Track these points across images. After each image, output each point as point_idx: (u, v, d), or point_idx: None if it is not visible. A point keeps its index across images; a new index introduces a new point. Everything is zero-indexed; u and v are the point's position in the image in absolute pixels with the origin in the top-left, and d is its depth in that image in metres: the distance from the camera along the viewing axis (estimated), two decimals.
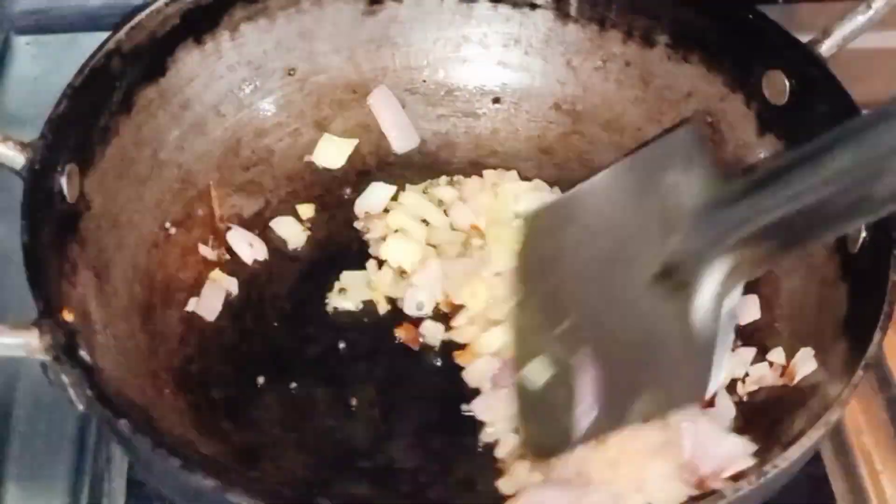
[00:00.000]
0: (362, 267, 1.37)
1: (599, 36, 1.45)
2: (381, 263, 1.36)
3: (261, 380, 1.27)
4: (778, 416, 1.19)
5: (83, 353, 1.08)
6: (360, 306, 1.34)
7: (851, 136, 0.83)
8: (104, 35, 1.27)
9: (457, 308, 1.32)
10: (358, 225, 1.41)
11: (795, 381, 1.21)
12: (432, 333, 1.31)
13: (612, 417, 1.00)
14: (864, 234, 1.19)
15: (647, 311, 0.92)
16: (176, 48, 1.35)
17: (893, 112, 0.82)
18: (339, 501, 1.18)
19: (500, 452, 1.21)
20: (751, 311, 1.31)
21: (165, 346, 1.28)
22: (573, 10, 1.44)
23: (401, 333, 1.32)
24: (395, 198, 1.42)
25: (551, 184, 1.43)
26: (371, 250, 1.38)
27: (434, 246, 1.38)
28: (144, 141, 1.34)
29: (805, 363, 1.21)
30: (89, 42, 1.28)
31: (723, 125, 1.39)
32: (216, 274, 1.35)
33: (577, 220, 0.99)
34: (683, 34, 1.40)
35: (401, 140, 1.48)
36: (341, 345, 1.31)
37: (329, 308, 1.34)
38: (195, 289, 1.33)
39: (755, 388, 1.25)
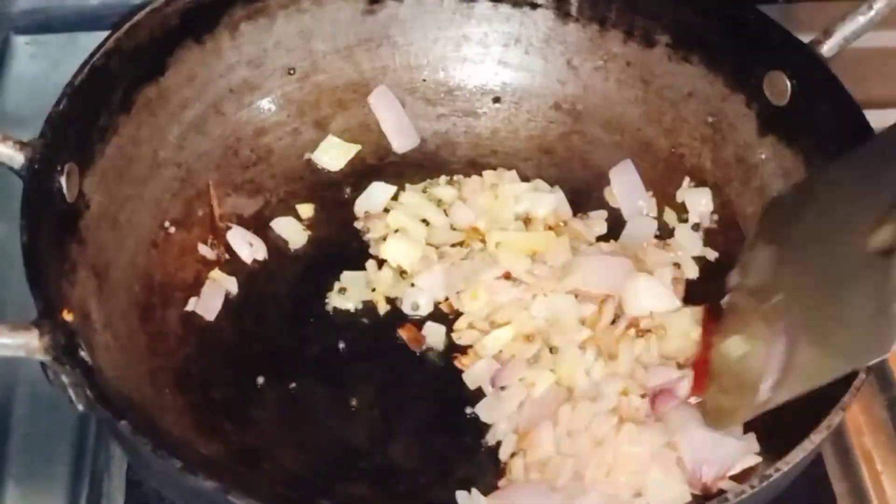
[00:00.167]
0: (362, 267, 1.36)
1: (600, 36, 1.45)
2: (381, 263, 1.36)
3: (260, 380, 1.27)
4: (780, 419, 1.19)
5: (83, 354, 1.08)
6: (360, 306, 1.34)
7: None
8: (103, 34, 1.27)
9: (457, 310, 1.32)
10: (358, 225, 1.41)
11: None
12: (434, 335, 1.31)
13: (799, 380, 1.03)
14: None
15: (852, 279, 0.94)
16: (175, 47, 1.35)
17: None
18: (339, 501, 1.18)
19: (502, 454, 1.21)
20: None
21: (165, 345, 1.27)
22: (574, 10, 1.44)
23: (403, 334, 1.31)
24: (395, 197, 1.42)
25: (551, 183, 1.44)
26: (371, 250, 1.38)
27: (435, 246, 1.37)
28: (144, 140, 1.33)
29: None
30: (89, 41, 1.28)
31: (724, 125, 1.39)
32: (216, 274, 1.35)
33: (810, 205, 1.03)
34: (684, 34, 1.40)
35: (401, 140, 1.48)
36: (341, 345, 1.31)
37: (329, 308, 1.34)
38: (195, 288, 1.33)
39: None
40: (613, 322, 1.28)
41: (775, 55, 1.31)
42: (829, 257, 0.96)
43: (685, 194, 1.41)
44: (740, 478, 1.16)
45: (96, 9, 1.64)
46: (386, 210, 1.41)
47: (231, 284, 1.34)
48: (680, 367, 1.23)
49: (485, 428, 1.24)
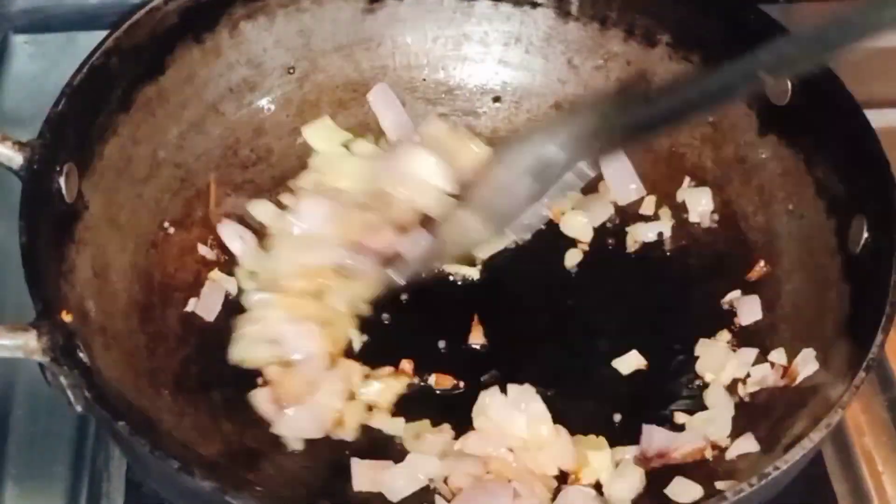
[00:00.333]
0: None
1: (600, 35, 1.45)
2: None
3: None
4: (779, 417, 1.19)
5: (81, 354, 1.08)
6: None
7: None
8: (103, 33, 1.27)
9: None
10: None
11: (797, 382, 1.21)
12: None
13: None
14: (866, 234, 1.19)
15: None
16: (175, 46, 1.35)
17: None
18: (339, 501, 1.18)
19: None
20: (753, 311, 1.31)
21: (164, 346, 1.27)
22: (574, 9, 1.44)
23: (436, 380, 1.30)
24: None
25: None
26: None
27: None
28: (143, 140, 1.33)
29: (807, 364, 1.21)
30: (88, 41, 1.28)
31: (724, 125, 1.39)
32: (215, 274, 1.34)
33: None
34: (685, 34, 1.40)
35: (400, 137, 1.47)
36: None
37: None
38: (194, 289, 1.33)
39: (757, 388, 1.25)
40: None
41: None
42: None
43: (685, 194, 1.41)
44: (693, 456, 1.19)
45: (95, 8, 1.64)
46: None
47: (231, 285, 1.34)
48: None
49: None
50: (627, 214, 1.42)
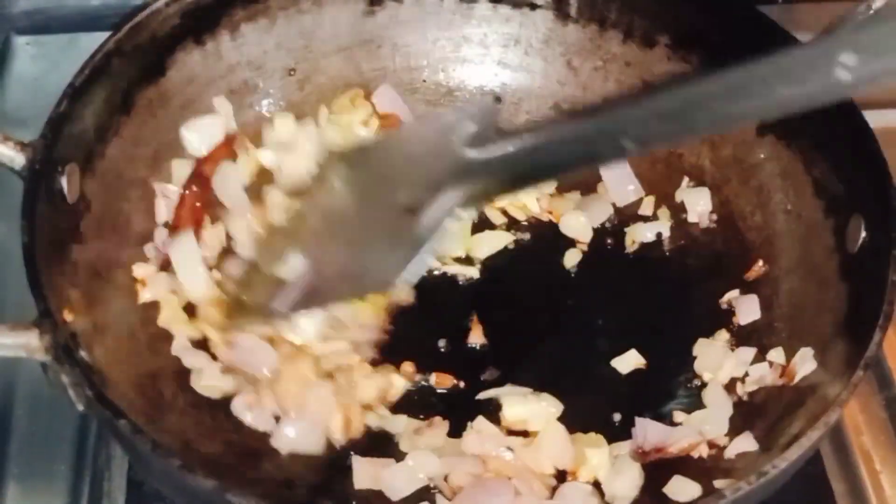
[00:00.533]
0: None
1: (599, 36, 1.45)
2: None
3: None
4: (777, 416, 1.19)
5: (83, 353, 1.09)
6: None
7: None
8: (104, 35, 1.27)
9: None
10: None
11: (795, 381, 1.21)
12: None
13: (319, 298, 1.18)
14: (863, 234, 1.19)
15: (374, 226, 1.12)
16: (176, 48, 1.35)
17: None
18: (339, 501, 1.18)
19: None
20: (751, 311, 1.31)
21: (165, 346, 1.27)
22: (573, 11, 1.44)
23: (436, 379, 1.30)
24: None
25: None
26: None
27: None
28: (145, 141, 1.33)
29: (805, 363, 1.21)
30: (89, 42, 1.28)
31: None
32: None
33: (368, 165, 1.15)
34: (684, 34, 1.40)
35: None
36: None
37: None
38: None
39: (755, 387, 1.25)
40: None
41: None
42: (371, 209, 1.12)
43: (684, 194, 1.41)
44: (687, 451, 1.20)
45: (97, 9, 1.64)
46: None
47: None
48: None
49: None
50: (626, 215, 1.42)
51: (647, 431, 1.20)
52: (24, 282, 1.07)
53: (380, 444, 1.23)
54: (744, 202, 1.38)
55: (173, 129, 1.37)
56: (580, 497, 1.16)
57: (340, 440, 1.21)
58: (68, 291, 1.16)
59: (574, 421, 1.23)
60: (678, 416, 1.24)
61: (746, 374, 1.26)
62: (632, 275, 1.38)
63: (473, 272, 1.37)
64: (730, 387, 1.26)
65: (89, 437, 1.30)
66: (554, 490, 1.18)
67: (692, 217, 1.41)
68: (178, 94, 1.37)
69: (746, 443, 1.18)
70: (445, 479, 1.19)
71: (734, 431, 1.21)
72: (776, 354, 1.25)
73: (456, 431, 1.23)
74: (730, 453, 1.19)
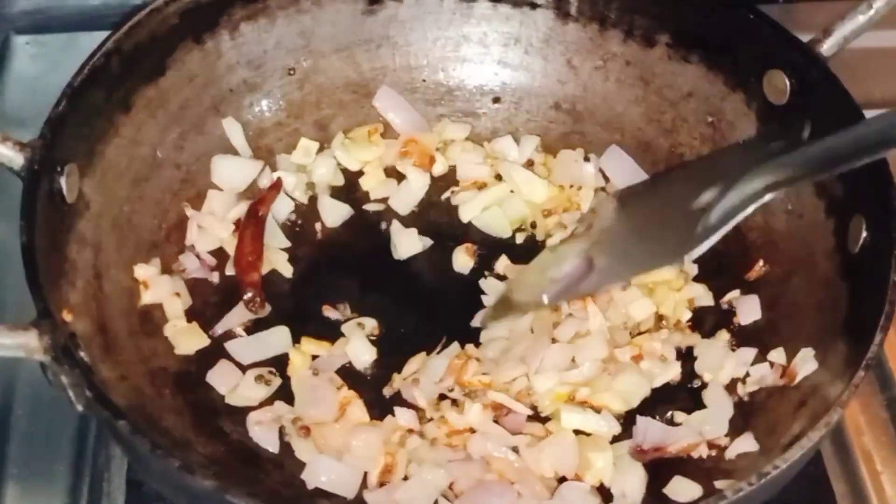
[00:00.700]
0: (363, 269, 1.37)
1: (600, 35, 1.45)
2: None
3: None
4: (778, 417, 1.19)
5: (82, 354, 1.09)
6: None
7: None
8: (103, 35, 1.27)
9: None
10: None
11: (796, 382, 1.21)
12: None
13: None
14: (864, 234, 1.19)
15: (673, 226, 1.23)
16: (175, 48, 1.35)
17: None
18: (339, 501, 1.18)
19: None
20: (752, 311, 1.31)
21: (165, 346, 1.27)
22: (573, 10, 1.44)
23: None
24: None
25: None
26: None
27: None
28: (144, 141, 1.34)
29: (806, 363, 1.21)
30: (88, 42, 1.28)
31: (723, 125, 1.39)
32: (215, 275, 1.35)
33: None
34: (684, 34, 1.40)
35: (414, 131, 1.47)
36: None
37: (328, 311, 1.33)
38: (194, 288, 1.33)
39: (756, 388, 1.25)
40: None
41: (774, 54, 1.31)
42: (660, 215, 1.27)
43: None
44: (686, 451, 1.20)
45: (96, 9, 1.64)
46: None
47: None
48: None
49: None
50: None
51: (648, 431, 1.20)
52: (24, 282, 1.07)
53: None
54: None
55: (173, 129, 1.37)
56: (580, 497, 1.16)
57: (374, 484, 1.19)
58: (68, 292, 1.16)
59: None
60: (678, 416, 1.24)
61: (747, 375, 1.26)
62: None
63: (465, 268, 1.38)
64: (730, 387, 1.26)
65: (89, 437, 1.30)
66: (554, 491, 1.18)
67: None
68: (177, 94, 1.37)
69: (747, 443, 1.18)
70: (451, 486, 1.18)
71: (735, 432, 1.21)
72: (777, 355, 1.25)
73: None
74: (731, 454, 1.19)
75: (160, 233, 1.34)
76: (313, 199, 1.42)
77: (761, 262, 1.34)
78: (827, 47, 1.27)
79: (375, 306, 1.32)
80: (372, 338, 1.30)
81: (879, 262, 1.14)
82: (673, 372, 1.27)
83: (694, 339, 1.30)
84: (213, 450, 1.20)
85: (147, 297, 1.28)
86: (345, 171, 1.45)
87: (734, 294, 1.33)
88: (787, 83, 1.30)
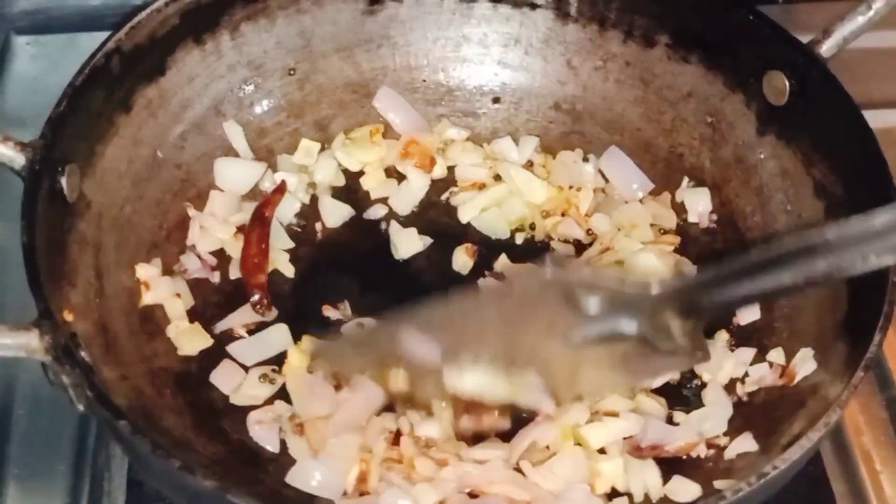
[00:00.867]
0: (363, 270, 1.37)
1: (599, 36, 1.45)
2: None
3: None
4: (777, 417, 1.19)
5: (83, 354, 1.09)
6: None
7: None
8: (104, 35, 1.27)
9: None
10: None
11: (795, 382, 1.22)
12: None
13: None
14: None
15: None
16: (176, 48, 1.35)
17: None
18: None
19: None
20: (751, 311, 1.31)
21: (165, 345, 1.27)
22: (573, 10, 1.44)
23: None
24: None
25: None
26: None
27: None
28: (144, 141, 1.34)
29: (805, 363, 1.21)
30: (89, 42, 1.28)
31: (723, 125, 1.40)
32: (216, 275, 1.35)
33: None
34: (683, 34, 1.40)
35: (414, 132, 1.47)
36: None
37: (329, 311, 1.33)
38: (195, 288, 1.33)
39: (755, 388, 1.25)
40: None
41: (774, 55, 1.32)
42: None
43: (684, 194, 1.41)
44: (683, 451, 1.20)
45: (97, 9, 1.64)
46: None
47: None
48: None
49: None
50: None
51: (648, 429, 1.20)
52: (24, 282, 1.07)
53: None
54: (744, 202, 1.38)
55: (173, 129, 1.37)
56: (583, 499, 1.16)
57: (350, 492, 1.17)
58: (68, 292, 1.16)
59: None
60: (677, 416, 1.24)
61: (746, 375, 1.26)
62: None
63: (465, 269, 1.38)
64: (730, 387, 1.26)
65: (89, 437, 1.30)
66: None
67: (692, 217, 1.41)
68: (177, 94, 1.37)
69: (746, 443, 1.18)
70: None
71: (734, 432, 1.21)
72: (776, 355, 1.25)
73: None
74: (730, 454, 1.19)
75: (160, 233, 1.34)
76: (314, 200, 1.42)
77: None
78: (826, 48, 1.27)
79: (375, 306, 1.32)
80: None
81: None
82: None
83: None
84: (213, 450, 1.20)
85: (148, 298, 1.28)
86: (345, 172, 1.45)
87: None
88: (787, 84, 1.30)
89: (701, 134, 1.41)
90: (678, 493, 1.16)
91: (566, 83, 1.48)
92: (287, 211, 1.40)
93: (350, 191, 1.44)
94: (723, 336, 1.30)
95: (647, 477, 1.17)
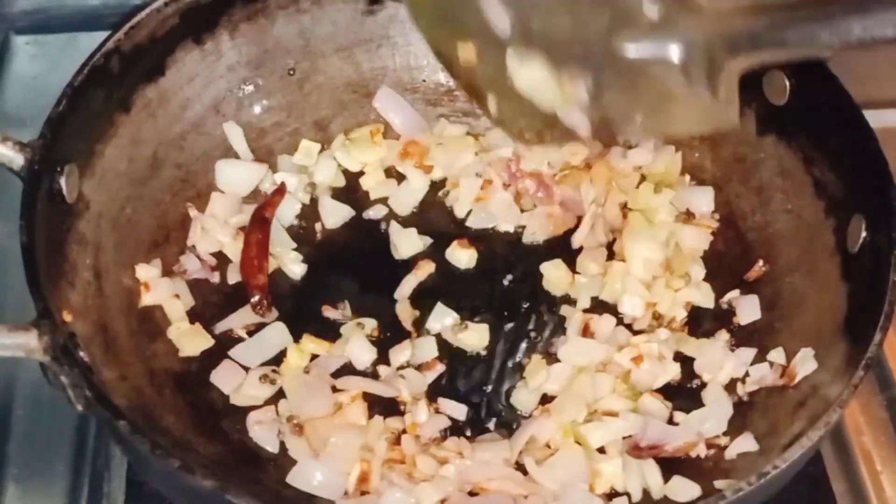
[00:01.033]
0: (363, 270, 1.37)
1: None
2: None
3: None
4: (778, 417, 1.19)
5: (82, 354, 1.09)
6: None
7: None
8: (103, 35, 1.27)
9: None
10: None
11: (796, 382, 1.22)
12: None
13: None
14: (864, 234, 1.19)
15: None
16: (175, 48, 1.35)
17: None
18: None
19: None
20: (751, 311, 1.31)
21: (165, 346, 1.27)
22: None
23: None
24: None
25: None
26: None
27: None
28: (144, 141, 1.34)
29: (805, 363, 1.21)
30: (88, 42, 1.28)
31: None
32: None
33: None
34: None
35: (413, 132, 1.47)
36: None
37: (329, 311, 1.33)
38: (194, 288, 1.33)
39: (755, 388, 1.25)
40: None
41: None
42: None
43: (687, 192, 1.41)
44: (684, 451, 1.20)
45: (96, 9, 1.64)
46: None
47: None
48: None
49: None
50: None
51: (647, 429, 1.20)
52: (24, 282, 1.07)
53: None
54: (744, 202, 1.38)
55: (173, 129, 1.37)
56: (582, 499, 1.16)
57: (351, 492, 1.17)
58: (68, 292, 1.16)
59: None
60: (677, 415, 1.24)
61: (747, 375, 1.26)
62: None
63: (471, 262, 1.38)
64: (730, 387, 1.26)
65: (89, 437, 1.30)
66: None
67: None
68: (177, 94, 1.37)
69: (747, 443, 1.18)
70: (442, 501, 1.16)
71: (734, 432, 1.21)
72: (776, 355, 1.25)
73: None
74: (730, 454, 1.19)
75: (160, 233, 1.34)
76: (314, 200, 1.42)
77: (761, 262, 1.34)
78: None
79: (375, 306, 1.32)
80: (372, 338, 1.30)
81: (879, 262, 1.14)
82: (672, 372, 1.26)
83: (690, 346, 1.29)
84: (213, 450, 1.20)
85: (147, 299, 1.28)
86: (345, 172, 1.45)
87: (734, 294, 1.33)
88: (787, 83, 1.30)
89: (701, 133, 1.41)
90: (678, 493, 1.16)
91: None
92: (287, 212, 1.40)
93: (350, 191, 1.44)
94: (723, 336, 1.30)
95: (647, 476, 1.17)
